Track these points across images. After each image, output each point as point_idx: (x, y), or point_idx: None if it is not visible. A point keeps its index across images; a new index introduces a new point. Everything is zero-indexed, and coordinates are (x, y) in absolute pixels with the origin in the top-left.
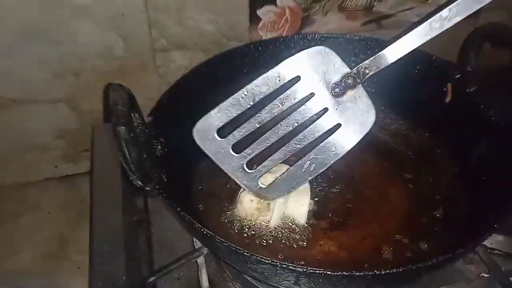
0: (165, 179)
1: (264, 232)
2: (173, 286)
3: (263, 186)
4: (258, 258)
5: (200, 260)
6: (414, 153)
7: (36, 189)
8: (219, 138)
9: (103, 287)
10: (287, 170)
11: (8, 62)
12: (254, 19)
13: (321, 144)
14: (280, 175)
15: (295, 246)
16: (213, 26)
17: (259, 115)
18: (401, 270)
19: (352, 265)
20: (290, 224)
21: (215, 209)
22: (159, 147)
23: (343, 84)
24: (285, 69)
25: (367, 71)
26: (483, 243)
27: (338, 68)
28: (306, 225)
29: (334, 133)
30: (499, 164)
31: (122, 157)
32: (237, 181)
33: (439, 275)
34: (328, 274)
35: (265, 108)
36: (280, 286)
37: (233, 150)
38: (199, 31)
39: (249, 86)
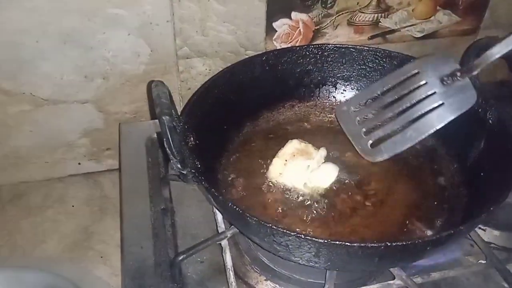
0: (199, 165)
1: (286, 210)
2: (197, 268)
3: (370, 149)
4: (284, 231)
5: (224, 242)
6: (418, 153)
7: (61, 184)
8: (351, 113)
9: (134, 266)
10: (393, 137)
11: (46, 65)
12: (270, 30)
13: (425, 118)
14: (385, 142)
15: (313, 222)
16: (232, 36)
17: (384, 98)
18: (410, 243)
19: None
20: (314, 197)
21: (236, 195)
22: (191, 139)
23: (452, 76)
24: (409, 67)
25: (474, 67)
26: (481, 236)
27: (450, 65)
28: (326, 201)
29: (437, 109)
30: (494, 161)
31: (166, 142)
32: (354, 143)
33: (440, 266)
34: (346, 245)
35: (390, 93)
36: (300, 260)
37: (358, 122)
38: (219, 40)
39: (381, 80)
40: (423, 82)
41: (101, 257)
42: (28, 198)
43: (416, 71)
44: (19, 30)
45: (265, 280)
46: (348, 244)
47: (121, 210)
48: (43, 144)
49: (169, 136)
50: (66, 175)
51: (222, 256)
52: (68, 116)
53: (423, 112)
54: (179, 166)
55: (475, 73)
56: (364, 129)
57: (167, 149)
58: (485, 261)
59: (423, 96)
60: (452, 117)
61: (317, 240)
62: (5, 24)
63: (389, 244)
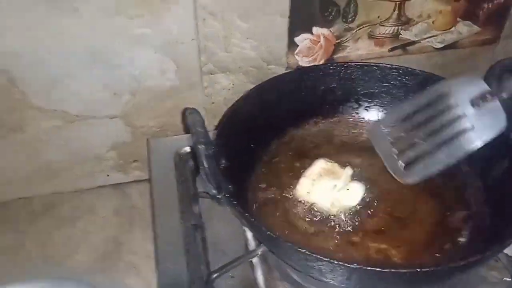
0: (232, 189)
1: (315, 229)
2: (227, 283)
3: (403, 170)
4: (318, 256)
5: (255, 260)
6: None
7: (90, 196)
8: (383, 134)
9: (169, 283)
10: (424, 159)
11: (76, 83)
12: (291, 45)
13: (455, 141)
14: (417, 164)
15: (341, 242)
16: (254, 52)
17: (415, 118)
18: (439, 268)
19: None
20: (342, 216)
21: (265, 214)
22: (223, 161)
23: (482, 99)
24: (439, 87)
25: (504, 90)
26: (505, 251)
27: (480, 86)
28: (354, 220)
29: (467, 133)
30: None
31: (202, 171)
32: (386, 164)
33: (464, 281)
34: (378, 271)
35: (420, 113)
36: (332, 281)
37: (389, 141)
38: (242, 56)
39: (412, 100)
40: (453, 103)
41: (134, 267)
42: (59, 209)
43: (446, 91)
44: (50, 50)
45: None
46: (380, 270)
47: (154, 226)
48: (74, 157)
49: (206, 165)
50: (95, 187)
51: (253, 272)
52: (97, 131)
53: (454, 134)
54: (215, 192)
55: (505, 95)
56: (395, 150)
57: (204, 177)
58: (510, 279)
59: (453, 118)
60: (481, 143)
61: (350, 266)
62: (37, 44)
63: (419, 270)
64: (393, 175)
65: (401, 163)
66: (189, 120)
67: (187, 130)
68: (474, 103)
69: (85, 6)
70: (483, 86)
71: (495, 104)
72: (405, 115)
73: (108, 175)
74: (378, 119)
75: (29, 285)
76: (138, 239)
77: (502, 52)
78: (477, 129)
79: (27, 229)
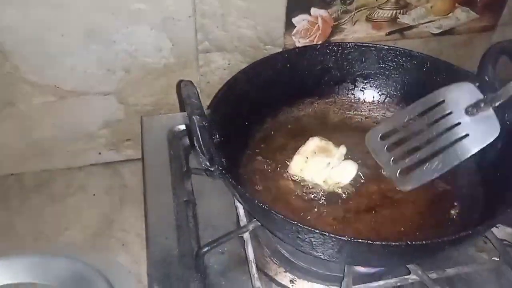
0: (225, 163)
1: (307, 206)
2: (218, 259)
3: (400, 177)
4: (310, 228)
5: (246, 235)
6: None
7: (82, 174)
8: (379, 140)
9: (159, 257)
10: (420, 166)
11: (71, 59)
12: (289, 26)
13: (450, 148)
14: (413, 170)
15: (333, 219)
16: (251, 31)
17: (410, 126)
18: (429, 242)
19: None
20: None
21: (258, 190)
22: (216, 135)
23: (476, 107)
24: (434, 96)
25: (497, 98)
26: (495, 233)
27: (474, 95)
28: (346, 197)
29: (462, 140)
30: (511, 162)
31: (196, 141)
32: (385, 171)
33: (454, 261)
34: (369, 243)
35: (416, 121)
36: (322, 255)
37: (386, 149)
38: (239, 35)
39: (408, 108)
40: (448, 111)
41: (122, 245)
42: (51, 186)
43: (441, 99)
44: (45, 26)
45: (284, 271)
46: (371, 242)
47: (145, 202)
48: (65, 134)
49: (200, 136)
50: (87, 164)
51: (244, 248)
52: (90, 108)
53: (449, 142)
54: (207, 163)
55: (498, 104)
56: (392, 157)
57: (197, 147)
58: (498, 258)
59: (449, 126)
60: (476, 150)
61: (341, 238)
62: (33, 20)
63: (409, 243)
64: (392, 181)
65: (397, 171)
66: (184, 91)
67: (181, 102)
68: (468, 111)
69: None
70: (477, 94)
71: (489, 112)
72: (401, 123)
73: (100, 153)
74: (375, 127)
75: (19, 260)
76: (129, 217)
77: (499, 39)
78: (471, 137)
79: (18, 206)
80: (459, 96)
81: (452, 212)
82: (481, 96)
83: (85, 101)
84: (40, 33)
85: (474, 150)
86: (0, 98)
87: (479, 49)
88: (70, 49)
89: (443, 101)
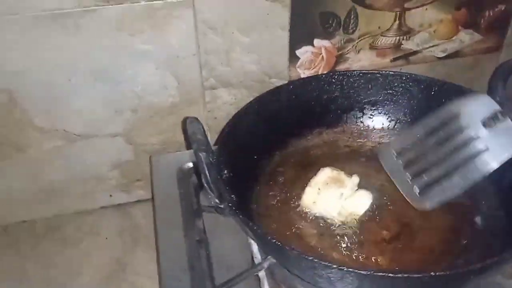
0: (235, 199)
1: (322, 239)
2: None
3: (418, 196)
4: (327, 263)
5: (261, 274)
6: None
7: (93, 217)
8: (395, 158)
9: None
10: (439, 184)
11: (78, 101)
12: (293, 58)
13: (470, 163)
14: (433, 188)
15: (350, 252)
16: (256, 66)
17: (426, 141)
18: (454, 272)
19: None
20: (349, 225)
21: (270, 226)
22: (225, 171)
23: (494, 119)
24: (449, 109)
25: None
26: None
27: (490, 106)
28: (362, 229)
29: (481, 155)
30: None
31: (204, 179)
32: (400, 189)
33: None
34: (390, 276)
35: (431, 136)
36: None
37: (403, 167)
38: (244, 70)
39: (422, 122)
40: (464, 125)
41: None
42: (62, 231)
43: (455, 112)
44: (52, 69)
45: None
46: (392, 275)
47: (157, 243)
48: (75, 177)
49: (207, 172)
50: (98, 207)
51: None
52: (99, 150)
53: (468, 157)
54: (217, 201)
55: None
56: (409, 175)
57: (205, 184)
58: None
59: (466, 140)
60: (497, 165)
61: (360, 272)
62: (39, 63)
63: (433, 274)
64: (409, 200)
65: (416, 188)
66: (189, 128)
67: (187, 140)
68: (485, 123)
69: (88, 23)
70: (493, 106)
71: (508, 123)
72: (415, 138)
73: (111, 195)
74: (388, 142)
75: None
76: (142, 259)
77: (506, 59)
78: (491, 150)
79: (29, 253)
80: (475, 108)
81: (474, 238)
82: (498, 108)
83: (94, 144)
84: (47, 76)
85: (496, 164)
86: (10, 144)
87: (486, 70)
88: (76, 92)
89: (458, 114)
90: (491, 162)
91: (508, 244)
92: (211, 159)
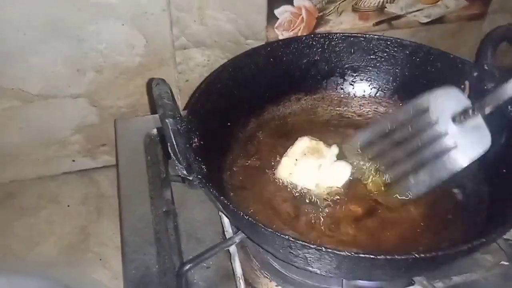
0: (205, 170)
1: (298, 213)
2: (203, 275)
3: (384, 191)
4: (304, 243)
5: (232, 249)
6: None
7: (55, 183)
8: (360, 151)
9: (137, 275)
10: (406, 180)
11: (34, 58)
12: (271, 18)
13: (437, 161)
14: (398, 184)
15: (327, 227)
16: (231, 25)
17: (394, 135)
18: (440, 253)
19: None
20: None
21: (244, 197)
22: (195, 139)
23: (464, 115)
24: (419, 103)
25: (486, 105)
26: None
27: (461, 102)
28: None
29: (450, 152)
30: None
31: (170, 148)
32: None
33: (456, 265)
34: (372, 258)
35: (400, 130)
36: (319, 271)
37: (368, 161)
38: (218, 29)
39: (392, 115)
40: (434, 120)
41: (100, 259)
42: (21, 198)
43: (425, 106)
44: (3, 21)
45: (275, 286)
46: (374, 257)
47: (121, 214)
48: (35, 141)
49: (174, 140)
50: (60, 173)
51: (231, 263)
52: (60, 112)
53: (436, 153)
54: (185, 172)
55: (487, 112)
56: (372, 170)
57: (172, 154)
58: (507, 263)
59: (435, 136)
60: (465, 164)
61: (340, 253)
62: None
63: (417, 256)
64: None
65: (380, 184)
66: (155, 91)
67: (152, 104)
68: (456, 119)
69: None
70: (464, 101)
71: (478, 121)
72: (384, 131)
73: (73, 161)
74: (356, 135)
75: None
76: (107, 229)
77: (490, 28)
78: (460, 148)
79: None
80: (446, 103)
81: (457, 213)
82: (468, 104)
83: (54, 105)
84: None
85: (464, 163)
86: None
87: (469, 38)
88: (32, 47)
89: (428, 108)
90: (460, 160)
91: (491, 220)
92: (179, 126)
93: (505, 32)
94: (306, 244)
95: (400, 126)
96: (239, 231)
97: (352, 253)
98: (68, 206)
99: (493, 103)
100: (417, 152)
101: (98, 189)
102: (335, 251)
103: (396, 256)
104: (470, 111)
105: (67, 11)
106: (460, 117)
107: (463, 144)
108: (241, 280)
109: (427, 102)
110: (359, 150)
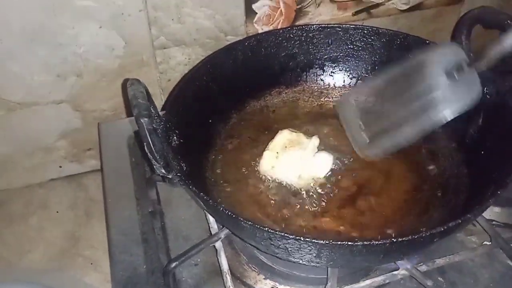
0: (185, 168)
1: (281, 206)
2: (191, 272)
3: (368, 142)
4: (283, 234)
5: (218, 244)
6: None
7: (42, 190)
8: (354, 104)
9: (124, 276)
10: (389, 132)
11: (14, 66)
12: (249, 13)
13: (423, 113)
14: (382, 137)
15: (310, 217)
16: (210, 22)
17: (387, 91)
18: (416, 237)
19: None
20: (310, 189)
21: (228, 192)
22: (175, 138)
23: (458, 69)
24: (415, 59)
25: (483, 59)
26: (483, 214)
27: (458, 56)
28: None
29: (437, 104)
30: (494, 137)
31: (146, 147)
32: (349, 136)
33: (442, 248)
34: (349, 244)
35: (394, 86)
36: (300, 261)
37: (359, 115)
38: (197, 27)
39: (386, 72)
40: (427, 74)
41: (91, 263)
42: (9, 207)
43: (421, 62)
44: None
45: (264, 279)
46: (351, 243)
47: (107, 216)
48: (20, 149)
49: (150, 140)
50: (47, 180)
51: (217, 258)
52: (44, 118)
53: (423, 106)
54: (163, 171)
55: (484, 67)
56: (362, 123)
57: (149, 153)
58: (490, 243)
59: (425, 89)
60: (450, 116)
61: (318, 242)
62: None
63: (395, 240)
64: (356, 150)
65: (365, 137)
66: (130, 91)
67: (128, 103)
68: (449, 73)
69: None
70: (461, 55)
71: (472, 75)
72: (377, 87)
73: (60, 167)
74: (348, 91)
75: None
76: (97, 232)
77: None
78: (447, 100)
79: None
80: (442, 57)
81: (437, 195)
82: (464, 57)
83: (37, 112)
84: None
85: (449, 114)
86: None
87: (449, 22)
88: (11, 54)
89: (424, 63)
90: (445, 112)
91: (470, 202)
92: (155, 125)
93: (478, 15)
94: (284, 235)
95: (395, 81)
96: (224, 227)
97: (330, 241)
98: (57, 212)
99: (490, 57)
100: (406, 105)
101: (86, 193)
102: (313, 240)
103: (373, 242)
104: (465, 66)
105: (45, 17)
106: (454, 71)
107: (451, 97)
108: (227, 275)
109: (424, 57)
110: (353, 105)
